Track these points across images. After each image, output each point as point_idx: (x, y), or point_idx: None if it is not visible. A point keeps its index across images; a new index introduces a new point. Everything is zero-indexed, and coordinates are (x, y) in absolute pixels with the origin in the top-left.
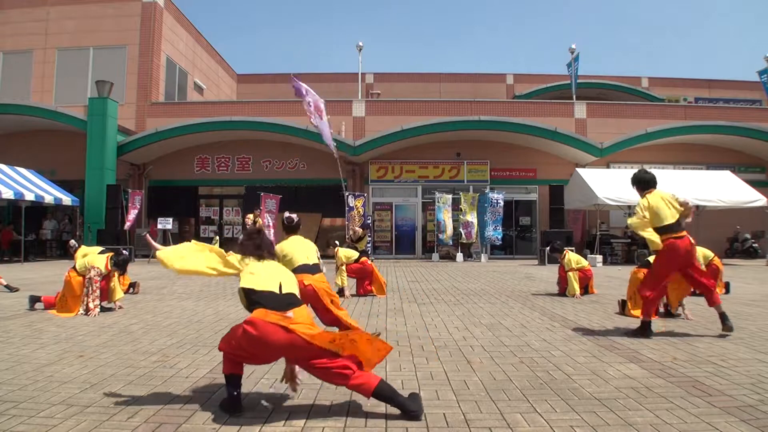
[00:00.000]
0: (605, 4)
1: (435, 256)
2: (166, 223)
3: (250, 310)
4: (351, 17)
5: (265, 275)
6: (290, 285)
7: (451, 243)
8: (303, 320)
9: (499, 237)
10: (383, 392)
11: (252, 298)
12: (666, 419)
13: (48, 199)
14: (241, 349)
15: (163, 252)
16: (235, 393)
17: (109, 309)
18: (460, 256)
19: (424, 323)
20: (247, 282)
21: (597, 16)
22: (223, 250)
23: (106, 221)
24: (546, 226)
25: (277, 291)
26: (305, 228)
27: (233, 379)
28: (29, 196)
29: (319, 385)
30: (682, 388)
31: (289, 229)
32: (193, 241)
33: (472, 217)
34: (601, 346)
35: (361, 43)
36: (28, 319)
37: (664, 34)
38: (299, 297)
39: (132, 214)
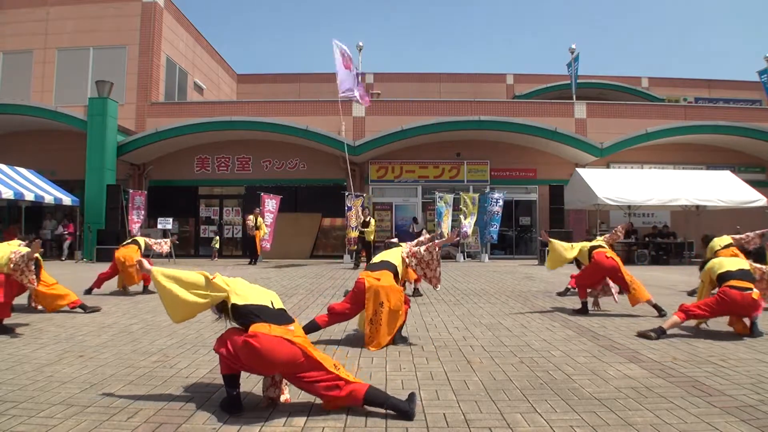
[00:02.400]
0: (605, 5)
1: None
2: (166, 223)
3: (246, 325)
4: (351, 17)
5: (254, 294)
6: (279, 303)
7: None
8: (301, 334)
9: (495, 235)
10: (373, 397)
11: (246, 310)
12: (666, 419)
13: (48, 199)
14: (238, 359)
15: (162, 294)
16: (234, 393)
17: (93, 310)
18: (460, 256)
19: (424, 323)
20: (237, 299)
21: (597, 16)
22: (207, 274)
23: (106, 221)
24: (546, 226)
25: (270, 306)
26: (304, 228)
27: (231, 379)
28: (29, 196)
29: None
30: (682, 388)
31: (388, 246)
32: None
33: (471, 219)
34: (601, 346)
35: (361, 43)
36: (28, 319)
37: (664, 34)
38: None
39: (135, 215)
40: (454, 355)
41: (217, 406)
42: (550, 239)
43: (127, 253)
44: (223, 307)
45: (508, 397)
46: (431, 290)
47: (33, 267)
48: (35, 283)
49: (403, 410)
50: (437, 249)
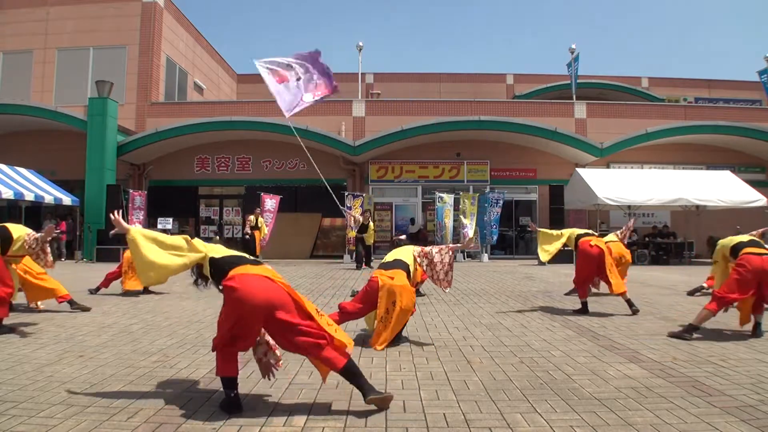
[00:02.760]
0: (605, 5)
1: None
2: (166, 223)
3: (222, 279)
4: (351, 17)
5: (230, 251)
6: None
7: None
8: (281, 278)
9: (495, 237)
10: (351, 372)
11: (223, 261)
12: (666, 419)
13: (48, 199)
14: (228, 322)
15: (137, 254)
16: (233, 394)
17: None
18: (460, 255)
19: (424, 323)
20: (215, 253)
21: (597, 16)
22: (187, 237)
23: (106, 221)
24: (546, 226)
25: (246, 257)
26: (304, 228)
27: (229, 381)
28: (29, 196)
29: (319, 384)
30: (682, 388)
31: (397, 244)
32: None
33: (471, 220)
34: (601, 346)
35: (361, 43)
36: (28, 319)
37: (664, 34)
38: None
39: (135, 215)
40: (454, 355)
41: (217, 406)
42: (538, 229)
43: None
44: (202, 273)
45: (508, 397)
46: (432, 290)
47: (48, 249)
48: (53, 266)
49: (368, 394)
50: (450, 253)
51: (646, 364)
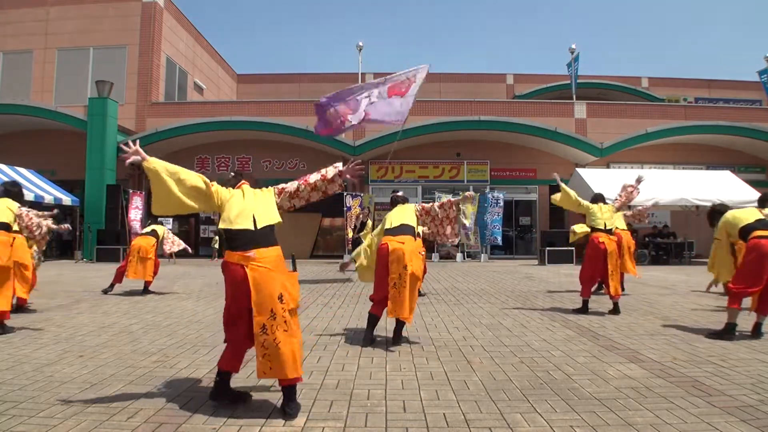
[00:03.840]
0: (605, 4)
1: (435, 256)
2: (166, 223)
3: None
4: (351, 17)
5: (239, 214)
6: (265, 218)
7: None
8: (268, 261)
9: (499, 237)
10: (291, 392)
11: (229, 237)
12: (666, 419)
13: (48, 199)
14: (227, 298)
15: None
16: (218, 379)
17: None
18: (460, 256)
19: (424, 323)
20: (222, 224)
21: (597, 16)
22: (207, 182)
23: (106, 221)
24: (546, 226)
25: (252, 227)
26: (304, 228)
27: (225, 374)
28: (29, 196)
29: (319, 384)
30: (682, 388)
31: (394, 202)
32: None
33: (471, 220)
34: (601, 346)
35: (361, 43)
36: (29, 319)
37: (664, 34)
38: (273, 228)
39: (134, 215)
40: (454, 355)
41: (217, 406)
42: (561, 184)
43: (143, 243)
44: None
45: (508, 397)
46: (432, 290)
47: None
48: (42, 243)
49: (287, 409)
50: (452, 207)
51: (646, 364)
